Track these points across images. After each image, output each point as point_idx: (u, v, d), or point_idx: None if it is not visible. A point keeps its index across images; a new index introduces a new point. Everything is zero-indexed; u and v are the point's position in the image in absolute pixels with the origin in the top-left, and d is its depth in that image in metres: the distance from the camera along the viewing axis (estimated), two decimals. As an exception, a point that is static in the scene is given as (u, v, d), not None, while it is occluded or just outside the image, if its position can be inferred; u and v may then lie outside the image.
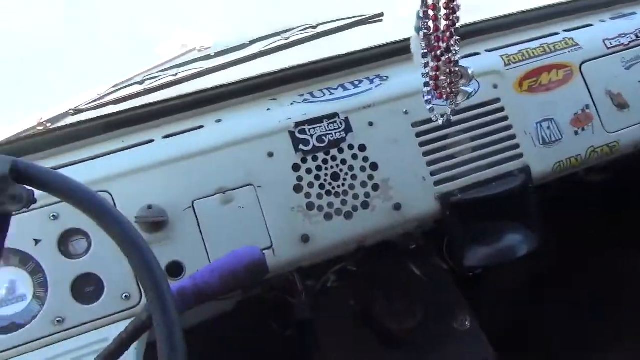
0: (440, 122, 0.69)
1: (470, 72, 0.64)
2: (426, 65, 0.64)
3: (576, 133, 1.06)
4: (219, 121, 0.93)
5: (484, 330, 1.26)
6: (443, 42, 0.59)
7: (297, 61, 1.02)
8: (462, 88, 0.64)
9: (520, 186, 1.01)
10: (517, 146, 1.02)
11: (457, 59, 0.61)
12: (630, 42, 1.14)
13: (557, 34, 1.13)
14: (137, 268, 0.51)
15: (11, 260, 0.80)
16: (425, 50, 0.62)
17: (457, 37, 0.60)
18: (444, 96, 0.64)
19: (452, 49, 0.60)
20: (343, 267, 1.13)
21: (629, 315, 1.62)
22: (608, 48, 1.12)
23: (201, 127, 0.92)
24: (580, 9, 1.20)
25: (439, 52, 0.61)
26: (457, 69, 0.62)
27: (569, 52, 1.10)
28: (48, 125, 0.90)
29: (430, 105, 0.67)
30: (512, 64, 1.06)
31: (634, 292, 1.70)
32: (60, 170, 0.82)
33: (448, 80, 0.62)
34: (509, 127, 1.02)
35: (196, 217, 0.85)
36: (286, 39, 0.99)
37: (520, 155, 1.02)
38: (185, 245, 0.84)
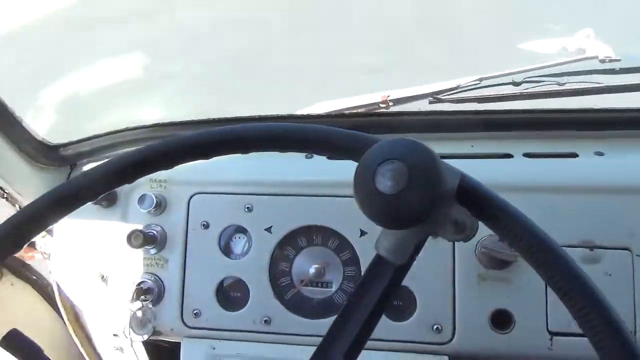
0: None
1: None
2: None
3: None
4: (599, 154, 0.72)
5: None
6: None
7: None
8: None
9: None
10: None
11: None
12: None
13: None
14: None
15: (330, 242, 0.73)
16: None
17: None
18: None
19: None
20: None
21: None
22: None
23: (575, 155, 0.72)
24: None
25: None
26: None
27: None
28: (390, 105, 0.81)
29: None
30: None
31: None
32: None
33: None
34: None
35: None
36: None
37: None
38: (523, 295, 0.67)
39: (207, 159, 0.47)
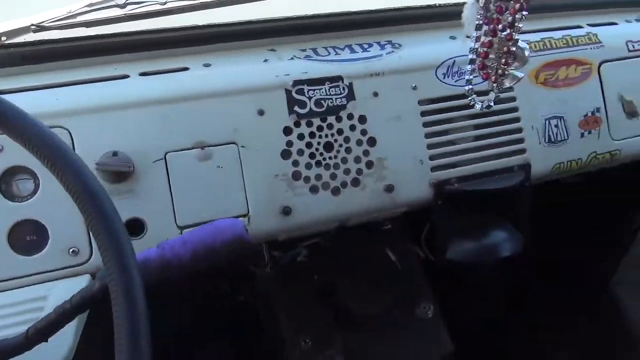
0: (478, 108, 0.60)
1: (526, 54, 0.55)
2: (478, 39, 0.54)
3: (582, 135, 1.01)
4: (207, 65, 0.81)
5: (446, 322, 1.23)
6: (509, 15, 0.50)
7: (304, 11, 0.91)
8: (513, 71, 0.56)
9: (518, 184, 0.95)
10: (521, 141, 0.95)
11: (516, 37, 0.52)
12: (652, 48, 1.08)
13: (580, 27, 1.06)
14: (94, 228, 0.41)
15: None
16: (481, 22, 0.53)
17: (525, 12, 0.51)
18: (492, 78, 0.55)
19: (516, 25, 0.51)
20: (315, 243, 1.05)
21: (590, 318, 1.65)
22: (630, 51, 1.06)
23: (186, 69, 0.80)
24: (606, 4, 1.13)
25: (499, 26, 0.51)
26: (514, 48, 0.53)
27: (591, 48, 1.03)
28: (3, 39, 0.76)
29: (470, 87, 0.58)
30: (532, 52, 0.98)
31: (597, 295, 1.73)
32: (10, 96, 0.69)
33: (501, 60, 0.53)
34: (517, 120, 0.95)
35: (167, 171, 0.74)
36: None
37: (523, 151, 0.96)
38: (150, 201, 0.73)
39: None
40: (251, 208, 0.78)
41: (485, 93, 0.93)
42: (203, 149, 0.76)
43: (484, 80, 0.57)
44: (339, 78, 0.84)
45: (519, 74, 0.57)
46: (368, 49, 0.90)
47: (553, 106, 0.98)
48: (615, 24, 1.09)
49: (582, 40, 1.03)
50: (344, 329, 1.18)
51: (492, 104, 0.60)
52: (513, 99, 0.95)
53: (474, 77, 0.57)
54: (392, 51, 0.90)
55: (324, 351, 1.15)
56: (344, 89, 0.84)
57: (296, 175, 0.81)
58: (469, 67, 0.58)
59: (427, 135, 0.89)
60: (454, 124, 0.92)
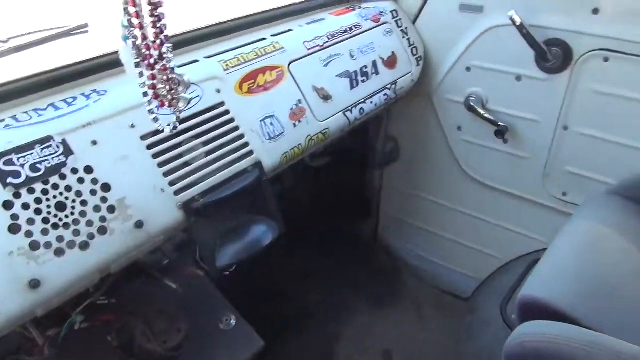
0: (167, 131, 0.68)
1: (186, 79, 0.65)
2: (141, 74, 0.62)
3: (295, 125, 1.19)
4: None
5: (250, 323, 1.32)
6: (155, 50, 0.58)
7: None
8: (182, 95, 0.65)
9: (256, 180, 1.08)
10: (247, 144, 1.09)
11: (171, 66, 0.61)
12: (324, 43, 1.32)
13: (265, 39, 1.24)
14: None
15: None
16: (138, 60, 0.60)
17: (169, 45, 0.60)
18: (166, 104, 0.64)
19: (164, 56, 0.59)
20: (90, 303, 1.02)
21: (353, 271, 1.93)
22: (308, 49, 1.28)
23: None
24: (281, 16, 1.34)
25: (152, 61, 0.60)
26: (173, 76, 0.62)
27: (278, 54, 1.22)
28: None
29: (154, 115, 0.66)
30: (231, 68, 1.12)
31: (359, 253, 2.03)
32: None
33: (167, 87, 0.62)
34: (236, 128, 1.08)
35: None
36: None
37: (252, 152, 1.09)
38: None
39: None
40: (-8, 295, 0.73)
41: (203, 113, 1.04)
42: None
43: (162, 107, 0.65)
44: (49, 138, 0.84)
45: (187, 96, 0.67)
46: (73, 103, 0.91)
47: (263, 109, 1.14)
48: (292, 30, 1.32)
49: (269, 49, 1.21)
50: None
51: (177, 124, 0.69)
52: (227, 112, 1.08)
53: (154, 107, 0.65)
54: (99, 99, 0.93)
55: (141, 403, 1.13)
56: (58, 146, 0.84)
57: (34, 245, 0.78)
58: (145, 99, 0.65)
59: (161, 165, 0.95)
60: (183, 148, 1.00)
